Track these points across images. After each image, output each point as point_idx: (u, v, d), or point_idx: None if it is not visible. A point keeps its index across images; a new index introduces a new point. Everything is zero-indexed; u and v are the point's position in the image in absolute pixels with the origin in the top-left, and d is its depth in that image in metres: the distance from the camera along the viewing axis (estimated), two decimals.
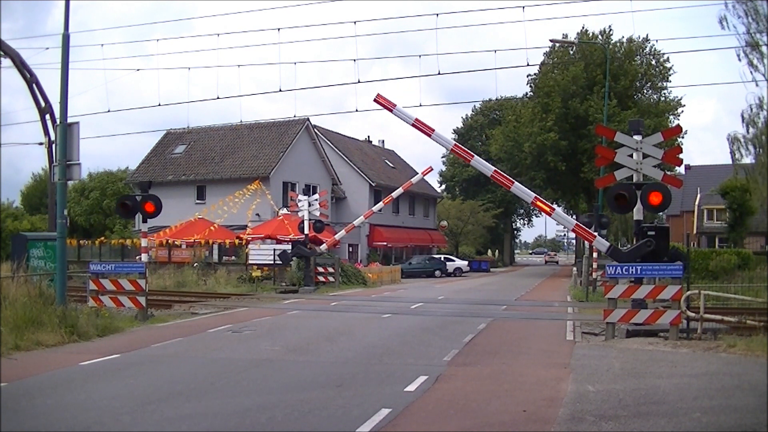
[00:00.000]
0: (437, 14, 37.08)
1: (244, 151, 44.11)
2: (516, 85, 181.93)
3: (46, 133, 26.12)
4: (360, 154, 53.39)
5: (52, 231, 20.27)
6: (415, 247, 56.04)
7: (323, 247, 30.39)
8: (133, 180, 44.77)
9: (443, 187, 76.50)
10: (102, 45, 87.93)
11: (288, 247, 30.99)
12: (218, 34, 63.77)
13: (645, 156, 14.43)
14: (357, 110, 41.92)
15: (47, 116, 26.19)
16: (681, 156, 15.07)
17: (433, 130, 16.87)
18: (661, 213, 43.74)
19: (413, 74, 73.32)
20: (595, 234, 16.97)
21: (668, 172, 19.43)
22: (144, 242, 19.49)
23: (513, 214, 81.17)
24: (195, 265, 32.21)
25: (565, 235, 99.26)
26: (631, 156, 14.50)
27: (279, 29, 27.52)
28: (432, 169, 39.12)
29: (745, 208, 39.22)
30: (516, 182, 16.36)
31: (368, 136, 61.75)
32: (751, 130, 20.90)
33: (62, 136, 15.19)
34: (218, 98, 35.65)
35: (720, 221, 49.43)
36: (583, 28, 48.41)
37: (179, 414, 7.78)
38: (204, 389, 9.08)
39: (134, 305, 16.93)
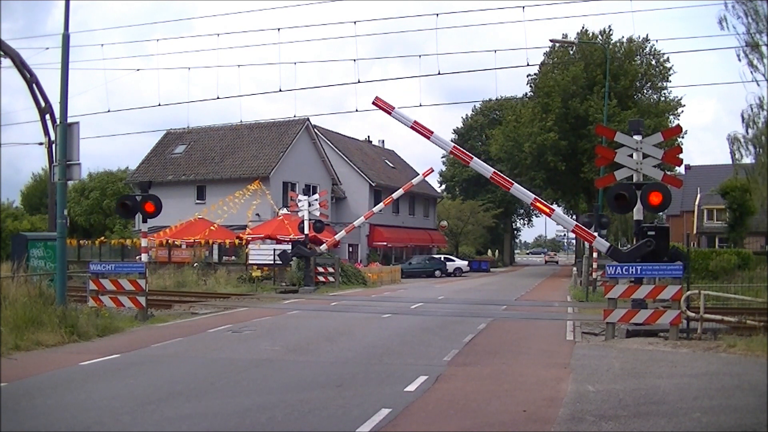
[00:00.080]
0: (437, 14, 37.07)
1: (244, 151, 44.12)
2: (516, 85, 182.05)
3: (46, 133, 26.13)
4: (360, 154, 53.39)
5: (52, 231, 20.27)
6: (415, 247, 56.04)
7: (323, 247, 30.40)
8: (133, 180, 44.78)
9: (443, 187, 76.54)
10: (102, 45, 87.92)
11: (288, 247, 30.99)
12: (218, 34, 63.91)
13: (645, 156, 14.43)
14: (357, 110, 41.95)
15: (47, 116, 26.20)
16: (681, 156, 15.08)
17: (432, 133, 16.84)
18: (661, 213, 43.75)
19: (413, 74, 73.57)
20: (595, 234, 16.96)
21: (668, 172, 19.43)
22: (144, 242, 19.50)
23: (513, 214, 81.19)
24: (195, 265, 32.22)
25: (565, 235, 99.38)
26: (631, 156, 14.51)
27: (279, 29, 27.94)
28: (433, 170, 39.12)
29: (745, 208, 39.24)
30: (515, 183, 16.34)
31: (368, 136, 61.86)
32: (750, 130, 20.94)
33: (62, 136, 15.19)
34: (218, 98, 35.76)
35: (720, 221, 49.45)
36: (583, 28, 48.48)
37: (179, 414, 7.78)
38: (204, 389, 9.08)
39: (134, 305, 16.93)
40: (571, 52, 48.33)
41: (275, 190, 41.41)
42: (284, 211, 37.27)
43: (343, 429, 7.13)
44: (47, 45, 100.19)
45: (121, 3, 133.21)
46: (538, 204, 16.30)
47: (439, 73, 36.64)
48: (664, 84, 47.14)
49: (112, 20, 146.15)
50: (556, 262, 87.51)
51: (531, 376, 10.02)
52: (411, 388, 8.98)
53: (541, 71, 48.30)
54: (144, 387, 9.21)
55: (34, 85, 26.43)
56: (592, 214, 26.32)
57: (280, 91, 24.86)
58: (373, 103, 16.96)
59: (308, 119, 43.97)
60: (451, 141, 32.49)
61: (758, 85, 19.79)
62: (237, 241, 35.28)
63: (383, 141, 64.13)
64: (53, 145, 22.24)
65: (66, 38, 15.64)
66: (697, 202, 56.41)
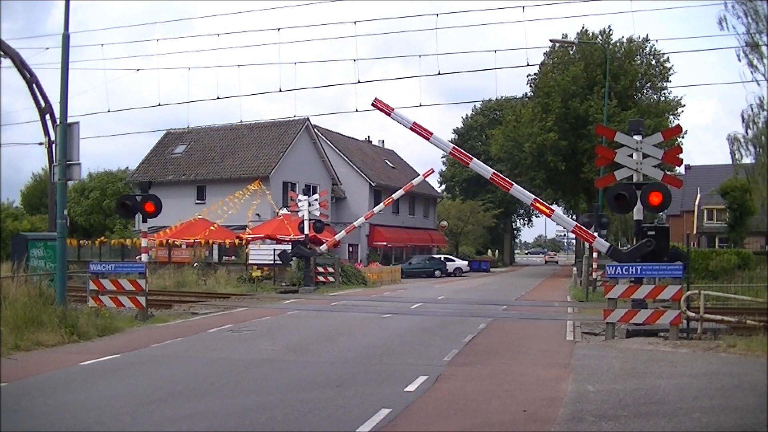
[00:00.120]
0: (437, 14, 37.07)
1: (244, 151, 44.13)
2: (516, 85, 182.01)
3: (46, 133, 26.14)
4: (360, 154, 53.40)
5: (52, 231, 20.28)
6: (415, 247, 56.05)
7: (323, 247, 30.41)
8: (133, 180, 44.79)
9: (443, 187, 76.56)
10: (102, 45, 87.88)
11: (288, 247, 30.99)
12: (218, 34, 63.82)
13: (645, 156, 14.43)
14: (357, 110, 41.90)
15: (47, 116, 26.21)
16: (681, 156, 15.09)
17: (432, 134, 16.80)
18: (661, 213, 43.77)
19: (413, 74, 73.62)
20: (595, 235, 16.96)
21: (668, 172, 19.43)
22: (144, 242, 19.50)
23: (513, 214, 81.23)
24: (195, 265, 32.22)
25: (565, 235, 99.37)
26: (631, 156, 14.51)
27: (279, 29, 27.96)
28: (433, 171, 39.15)
29: (745, 208, 39.26)
30: (515, 184, 16.32)
31: (368, 136, 61.86)
32: (750, 130, 20.93)
33: (62, 136, 15.20)
34: (218, 98, 35.76)
35: (720, 221, 49.46)
36: (583, 28, 48.51)
37: (179, 414, 7.78)
38: (204, 389, 9.08)
39: (134, 305, 16.93)
40: (571, 52, 48.33)
41: (275, 190, 41.41)
42: (284, 211, 37.27)
43: (343, 429, 7.13)
44: (47, 45, 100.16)
45: (121, 3, 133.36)
46: (537, 205, 16.29)
47: (439, 73, 36.52)
48: (664, 84, 47.19)
49: (112, 20, 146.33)
50: (556, 262, 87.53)
51: (531, 376, 10.02)
52: (411, 388, 8.98)
53: (541, 71, 48.30)
54: (144, 387, 9.21)
55: (34, 85, 26.44)
56: (592, 214, 26.32)
57: (280, 91, 24.91)
58: (373, 104, 16.94)
59: (308, 119, 43.98)
60: (451, 141, 32.52)
61: (758, 85, 19.80)
62: (237, 241, 35.28)
63: (383, 141, 64.22)
64: (53, 145, 22.25)
65: (66, 38, 15.65)
66: (697, 202, 56.42)
